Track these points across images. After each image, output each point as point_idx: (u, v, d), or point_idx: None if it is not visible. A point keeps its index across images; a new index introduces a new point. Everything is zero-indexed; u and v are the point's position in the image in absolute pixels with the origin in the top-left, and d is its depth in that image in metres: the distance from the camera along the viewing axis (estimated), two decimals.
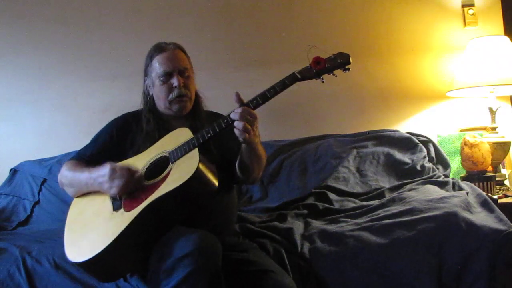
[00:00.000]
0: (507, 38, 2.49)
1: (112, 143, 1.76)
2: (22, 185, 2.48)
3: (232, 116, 1.50)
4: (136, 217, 1.45)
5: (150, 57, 1.77)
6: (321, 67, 1.51)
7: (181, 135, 1.62)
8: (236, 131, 1.49)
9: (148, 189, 1.52)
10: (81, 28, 2.79)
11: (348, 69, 1.52)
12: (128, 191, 1.54)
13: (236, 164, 1.68)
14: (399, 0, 2.75)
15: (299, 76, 1.53)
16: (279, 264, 1.59)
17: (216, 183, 1.53)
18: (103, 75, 2.77)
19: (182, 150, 1.55)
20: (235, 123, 1.49)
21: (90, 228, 1.54)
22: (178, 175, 1.49)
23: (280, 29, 2.76)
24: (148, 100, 1.80)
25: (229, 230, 1.71)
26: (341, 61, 1.51)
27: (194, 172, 1.45)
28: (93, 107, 2.72)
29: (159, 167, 1.58)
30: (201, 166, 1.48)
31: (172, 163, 1.55)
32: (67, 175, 1.71)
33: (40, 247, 1.78)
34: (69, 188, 1.71)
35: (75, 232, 1.58)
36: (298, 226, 1.83)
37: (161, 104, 1.76)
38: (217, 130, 1.54)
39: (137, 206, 1.48)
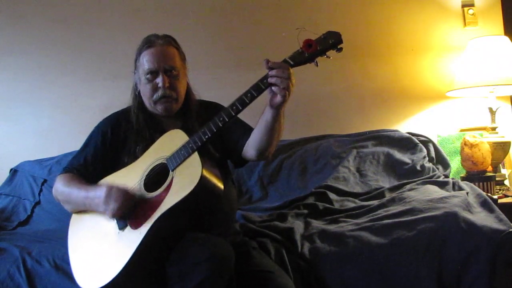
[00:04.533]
0: (507, 38, 2.50)
1: (104, 146, 1.68)
2: (22, 185, 2.48)
3: (270, 79, 1.40)
4: (146, 235, 1.40)
5: (139, 51, 1.68)
6: (313, 50, 1.41)
7: (176, 138, 1.53)
8: (277, 90, 1.39)
9: (152, 203, 1.45)
10: (81, 28, 2.78)
11: (341, 49, 1.43)
12: (124, 215, 1.48)
13: (249, 142, 1.58)
14: (399, 0, 2.75)
15: (291, 62, 1.42)
16: (280, 264, 1.59)
17: (222, 186, 1.47)
18: (103, 75, 2.77)
19: (180, 156, 1.48)
20: (274, 81, 1.38)
21: (99, 252, 1.48)
22: (181, 184, 1.42)
23: (280, 29, 2.76)
24: (137, 95, 1.72)
25: (230, 228, 1.68)
26: (333, 42, 1.42)
27: (199, 180, 1.39)
28: (93, 107, 2.72)
29: (159, 175, 1.51)
30: (204, 172, 1.42)
31: (172, 171, 1.48)
32: (63, 191, 1.62)
33: (40, 247, 1.78)
34: (66, 204, 1.63)
35: (82, 258, 1.52)
36: (298, 226, 1.83)
37: (147, 102, 1.68)
38: (214, 130, 1.46)
39: (144, 222, 1.42)
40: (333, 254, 1.64)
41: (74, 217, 1.63)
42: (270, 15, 2.79)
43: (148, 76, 1.63)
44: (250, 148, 1.59)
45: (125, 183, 1.53)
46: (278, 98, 1.41)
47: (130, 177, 1.55)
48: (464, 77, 2.48)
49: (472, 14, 2.70)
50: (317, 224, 1.86)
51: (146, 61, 1.64)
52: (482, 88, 2.47)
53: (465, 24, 2.71)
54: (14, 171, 2.57)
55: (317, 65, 1.45)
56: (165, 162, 1.52)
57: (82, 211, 1.60)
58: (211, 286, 1.30)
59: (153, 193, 1.49)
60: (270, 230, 1.79)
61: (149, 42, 1.66)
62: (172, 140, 1.55)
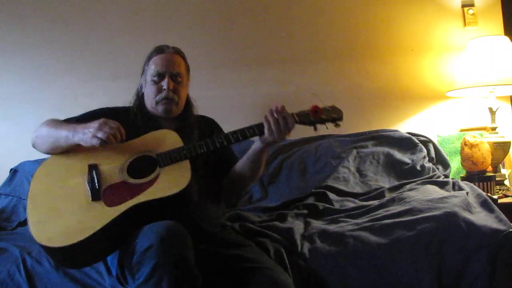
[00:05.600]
0: (507, 38, 2.49)
1: None
2: (22, 185, 2.48)
3: (269, 115, 1.54)
4: (120, 215, 1.43)
5: (149, 57, 1.80)
6: (317, 117, 1.60)
7: (169, 138, 1.63)
8: (267, 127, 1.54)
9: (133, 189, 1.50)
10: (81, 28, 2.79)
11: (339, 125, 1.64)
12: (108, 140, 1.50)
13: (229, 176, 1.73)
14: (399, 0, 2.75)
15: (296, 118, 1.58)
16: (279, 264, 1.59)
17: (196, 198, 1.58)
18: (103, 75, 2.78)
19: (172, 157, 1.56)
20: (270, 117, 1.53)
21: (64, 213, 1.49)
22: (168, 183, 1.50)
23: (280, 29, 2.77)
24: (139, 97, 1.83)
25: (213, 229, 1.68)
26: (335, 117, 1.63)
27: (186, 186, 1.48)
28: (93, 107, 2.70)
29: (144, 166, 1.56)
30: (191, 181, 1.50)
31: (161, 167, 1.55)
32: (46, 130, 1.65)
33: (40, 247, 1.78)
34: (42, 139, 1.64)
35: (42, 211, 1.51)
36: (298, 226, 1.83)
37: (148, 103, 1.79)
38: (211, 148, 1.57)
39: (120, 203, 1.46)
40: (333, 254, 1.64)
41: (41, 170, 1.62)
42: (270, 15, 2.79)
43: (155, 78, 1.76)
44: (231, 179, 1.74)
45: (109, 160, 1.58)
46: (266, 135, 1.56)
47: (114, 157, 1.59)
48: (464, 77, 2.48)
49: (472, 14, 2.70)
50: (317, 224, 1.86)
51: (155, 65, 1.76)
52: (482, 88, 2.47)
53: (465, 24, 2.71)
54: (14, 171, 2.57)
55: (315, 130, 1.62)
56: (155, 157, 1.58)
57: (57, 161, 1.62)
58: (161, 271, 1.27)
59: (136, 180, 1.54)
60: (269, 230, 1.79)
61: (160, 50, 1.79)
62: (165, 138, 1.64)
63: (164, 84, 1.74)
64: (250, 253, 1.55)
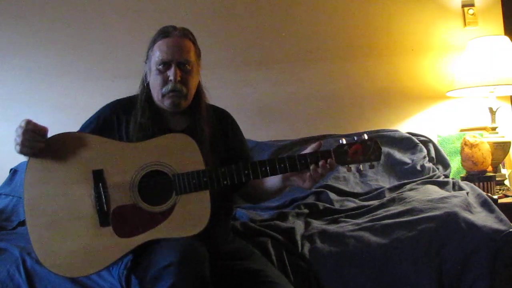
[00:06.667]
0: (507, 38, 2.49)
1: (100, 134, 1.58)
2: (22, 185, 2.48)
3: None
4: (131, 250, 1.40)
5: (153, 41, 1.60)
6: (355, 158, 1.49)
7: (186, 148, 1.47)
8: (309, 178, 1.46)
9: (146, 219, 1.40)
10: (81, 28, 2.79)
11: (374, 166, 1.51)
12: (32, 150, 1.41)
13: (244, 188, 1.66)
14: (399, 0, 2.75)
15: (333, 158, 1.48)
16: (280, 265, 1.59)
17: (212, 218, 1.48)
18: (103, 75, 2.77)
19: (191, 184, 1.43)
20: (313, 172, 1.45)
21: (69, 234, 1.40)
22: (185, 220, 1.41)
23: (280, 29, 2.76)
24: (145, 87, 1.63)
25: (223, 241, 1.63)
26: (373, 157, 1.48)
27: (202, 229, 1.40)
28: (93, 107, 2.69)
29: (157, 185, 1.44)
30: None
31: (177, 195, 1.43)
32: None
33: None
34: None
35: (43, 224, 1.40)
36: (299, 226, 1.83)
37: (155, 95, 1.60)
38: (236, 181, 1.45)
39: (131, 235, 1.39)
40: (333, 255, 1.64)
41: (34, 164, 1.51)
42: (270, 15, 2.79)
43: (160, 67, 1.56)
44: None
45: (116, 167, 1.45)
46: (306, 185, 1.48)
47: (121, 163, 1.45)
48: (464, 77, 2.47)
49: (472, 14, 2.70)
50: (317, 224, 1.86)
51: (160, 51, 1.56)
52: (482, 88, 2.46)
53: (465, 24, 2.71)
54: (14, 171, 2.56)
55: (350, 170, 1.54)
56: (171, 177, 1.45)
57: (53, 155, 1.50)
58: None
59: (148, 206, 1.43)
60: (271, 230, 1.79)
61: (165, 32, 1.58)
62: (181, 148, 1.48)
63: (171, 74, 1.53)
64: (257, 265, 1.49)
